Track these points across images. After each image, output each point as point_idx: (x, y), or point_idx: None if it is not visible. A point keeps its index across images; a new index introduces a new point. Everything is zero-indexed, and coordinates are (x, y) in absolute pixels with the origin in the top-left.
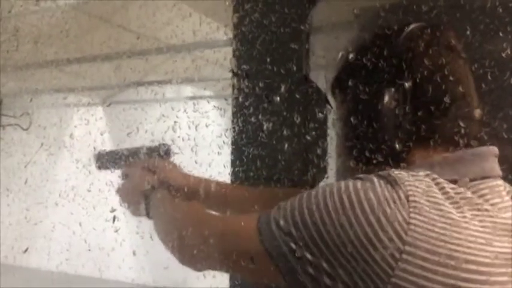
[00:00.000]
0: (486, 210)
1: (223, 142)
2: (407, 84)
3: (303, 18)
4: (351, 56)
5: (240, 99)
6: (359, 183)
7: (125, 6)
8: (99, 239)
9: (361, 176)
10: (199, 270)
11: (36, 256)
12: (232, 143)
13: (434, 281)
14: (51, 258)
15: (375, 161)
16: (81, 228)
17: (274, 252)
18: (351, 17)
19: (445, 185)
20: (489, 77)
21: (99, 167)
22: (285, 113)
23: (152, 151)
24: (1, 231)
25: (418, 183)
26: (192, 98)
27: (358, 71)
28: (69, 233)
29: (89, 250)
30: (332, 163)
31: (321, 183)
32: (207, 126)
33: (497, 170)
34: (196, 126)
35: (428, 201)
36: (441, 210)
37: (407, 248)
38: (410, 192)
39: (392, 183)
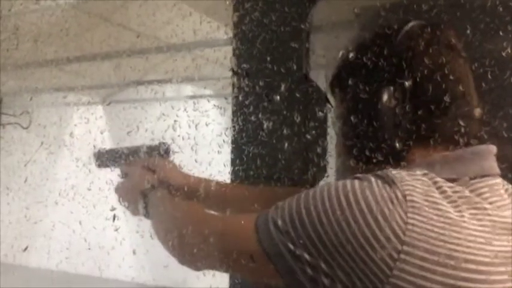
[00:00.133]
0: (485, 208)
1: (223, 141)
2: (407, 83)
3: (303, 17)
4: (351, 54)
5: (240, 98)
6: (357, 183)
7: (125, 5)
8: (99, 238)
9: (359, 175)
10: (198, 269)
11: (36, 255)
12: (232, 142)
13: (433, 280)
14: (51, 257)
15: (374, 160)
16: (81, 227)
17: (272, 252)
18: (352, 16)
19: (443, 184)
20: (489, 76)
21: (99, 165)
22: (285, 112)
23: (152, 150)
24: (1, 229)
25: (416, 182)
26: (192, 97)
27: (358, 69)
28: (69, 232)
29: (89, 249)
30: (332, 162)
31: (321, 182)
32: (207, 125)
33: (496, 168)
34: (196, 125)
35: (426, 200)
36: (439, 209)
37: (405, 247)
38: (407, 192)
39: (390, 182)
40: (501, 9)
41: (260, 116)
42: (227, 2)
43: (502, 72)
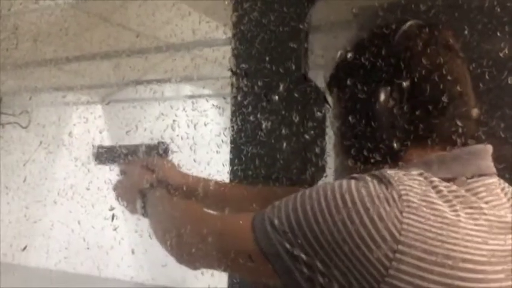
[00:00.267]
0: (481, 208)
1: (222, 141)
2: (405, 83)
3: (302, 17)
4: (349, 54)
5: (239, 98)
6: (353, 183)
7: (124, 5)
8: (98, 237)
9: (355, 175)
10: (196, 268)
11: (35, 254)
12: (231, 142)
13: (430, 280)
14: (49, 257)
15: (372, 160)
16: (79, 226)
17: (269, 251)
18: (350, 16)
19: (439, 184)
20: (487, 77)
21: (97, 160)
22: (283, 112)
23: (151, 149)
24: (0, 229)
25: (412, 182)
26: (191, 96)
27: (356, 69)
28: (68, 231)
29: (88, 248)
30: (331, 162)
31: (320, 182)
32: (205, 124)
33: (493, 167)
34: (195, 125)
35: (422, 200)
36: (435, 209)
37: (400, 247)
38: (403, 192)
39: (386, 182)
40: (499, 9)
41: (259, 115)
42: (226, 2)
43: (500, 72)
